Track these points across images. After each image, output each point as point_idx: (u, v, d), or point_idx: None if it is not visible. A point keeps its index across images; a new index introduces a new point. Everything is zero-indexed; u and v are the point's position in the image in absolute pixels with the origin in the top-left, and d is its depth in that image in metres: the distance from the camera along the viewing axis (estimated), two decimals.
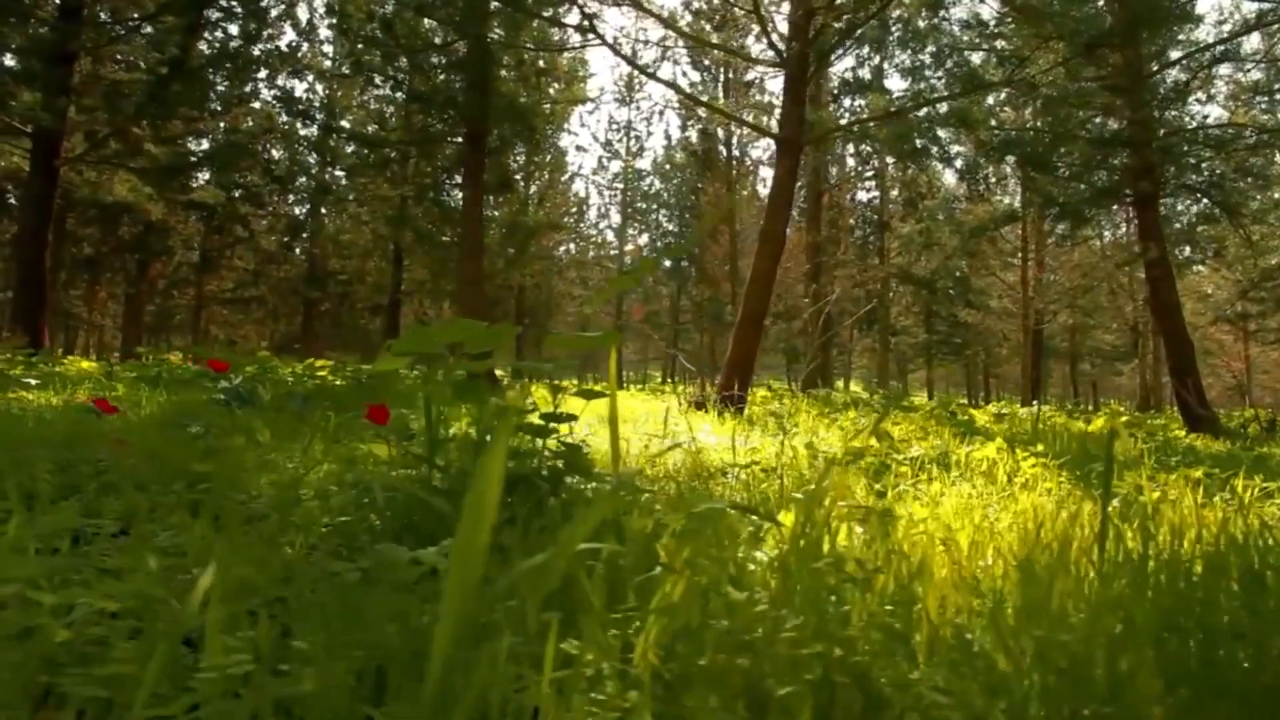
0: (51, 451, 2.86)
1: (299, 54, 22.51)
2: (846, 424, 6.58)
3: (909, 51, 9.76)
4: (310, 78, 26.59)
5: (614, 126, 33.12)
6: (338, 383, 9.08)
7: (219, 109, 13.29)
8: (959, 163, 17.55)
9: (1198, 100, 15.13)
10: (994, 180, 21.17)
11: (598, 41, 8.77)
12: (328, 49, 29.88)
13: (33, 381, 6.35)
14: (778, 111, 15.15)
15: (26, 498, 2.26)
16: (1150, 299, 12.11)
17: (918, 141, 12.72)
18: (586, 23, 8.69)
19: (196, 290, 25.79)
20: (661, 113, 49.29)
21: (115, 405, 3.09)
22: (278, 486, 2.60)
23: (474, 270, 12.18)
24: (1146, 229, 11.67)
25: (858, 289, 23.97)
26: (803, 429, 5.41)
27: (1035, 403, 22.14)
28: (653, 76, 10.03)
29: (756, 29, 19.53)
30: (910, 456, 3.42)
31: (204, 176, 21.39)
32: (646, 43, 24.96)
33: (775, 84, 26.99)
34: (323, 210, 27.46)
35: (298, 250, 28.10)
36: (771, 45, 8.63)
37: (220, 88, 12.50)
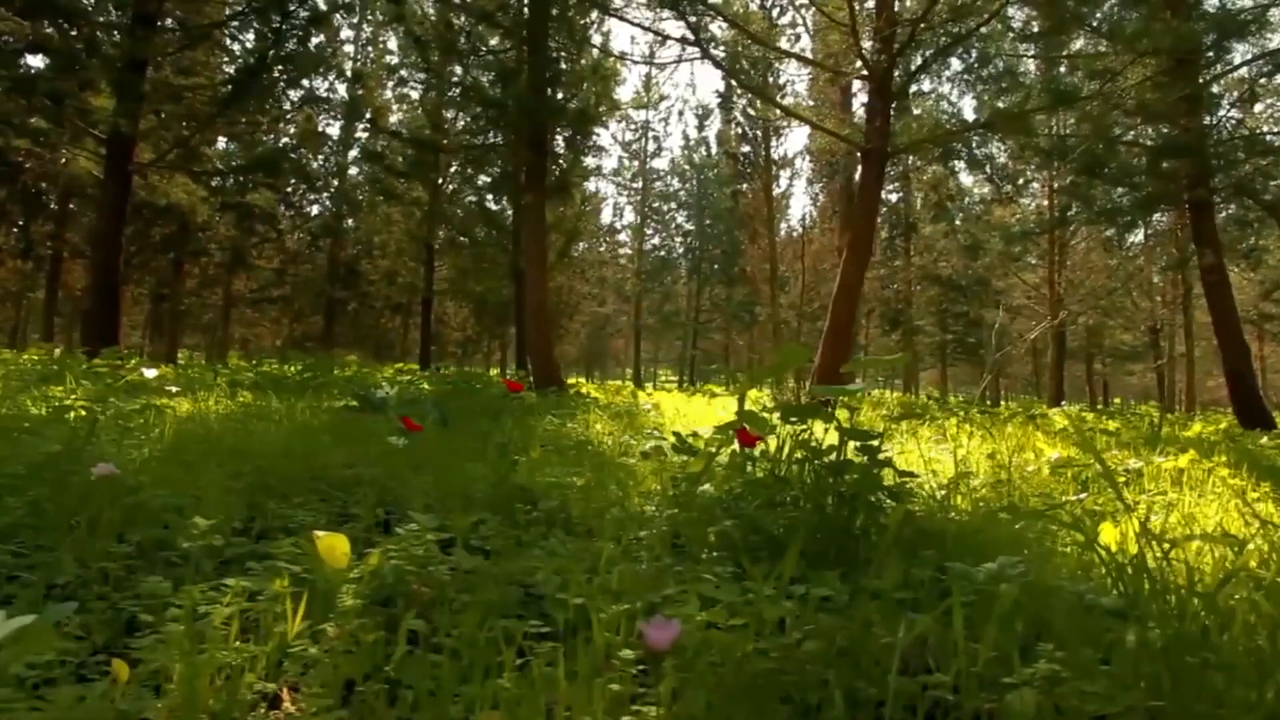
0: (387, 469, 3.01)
1: (326, 55, 22.59)
2: (951, 426, 6.74)
3: (988, 64, 9.99)
4: (332, 78, 26.61)
5: (631, 126, 33.19)
6: (425, 387, 9.25)
7: (283, 113, 13.43)
8: (988, 168, 17.85)
9: (1231, 104, 15.43)
10: (1020, 183, 21.48)
11: (697, 54, 8.99)
12: (348, 49, 29.98)
13: (173, 389, 6.48)
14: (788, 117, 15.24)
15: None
16: (1206, 302, 12.34)
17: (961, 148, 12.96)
18: (691, 35, 8.90)
19: (225, 290, 25.86)
20: (680, 113, 49.39)
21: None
22: (619, 505, 2.75)
23: (539, 273, 12.34)
24: (1202, 235, 11.91)
25: (886, 290, 24.25)
26: (946, 437, 5.58)
27: (1063, 403, 22.43)
28: (751, 89, 10.20)
29: (789, 37, 19.71)
30: (1128, 468, 3.61)
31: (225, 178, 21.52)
32: (665, 41, 25.00)
33: (800, 86, 27.16)
34: (345, 211, 27.57)
35: (322, 250, 28.22)
36: (862, 58, 8.82)
37: (288, 93, 12.65)
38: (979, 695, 1.23)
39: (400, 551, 1.79)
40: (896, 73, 9.37)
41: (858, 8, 8.55)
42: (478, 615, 1.63)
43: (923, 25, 8.48)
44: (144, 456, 3.05)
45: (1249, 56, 11.87)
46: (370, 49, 29.32)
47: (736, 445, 2.84)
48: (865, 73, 8.86)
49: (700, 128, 34.02)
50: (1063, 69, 13.28)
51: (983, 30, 9.84)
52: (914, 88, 13.61)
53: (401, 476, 2.91)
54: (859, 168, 25.29)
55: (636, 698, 1.21)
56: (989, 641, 1.29)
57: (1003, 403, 28.43)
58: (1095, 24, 10.51)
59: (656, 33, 10.81)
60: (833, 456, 2.53)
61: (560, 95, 13.27)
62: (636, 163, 34.72)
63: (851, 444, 2.55)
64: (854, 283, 8.97)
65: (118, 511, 2.17)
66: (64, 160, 14.34)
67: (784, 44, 20.30)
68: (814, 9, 10.57)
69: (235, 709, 1.30)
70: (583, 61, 12.26)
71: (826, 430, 2.58)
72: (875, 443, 2.60)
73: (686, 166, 33.63)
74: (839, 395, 2.65)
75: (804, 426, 2.73)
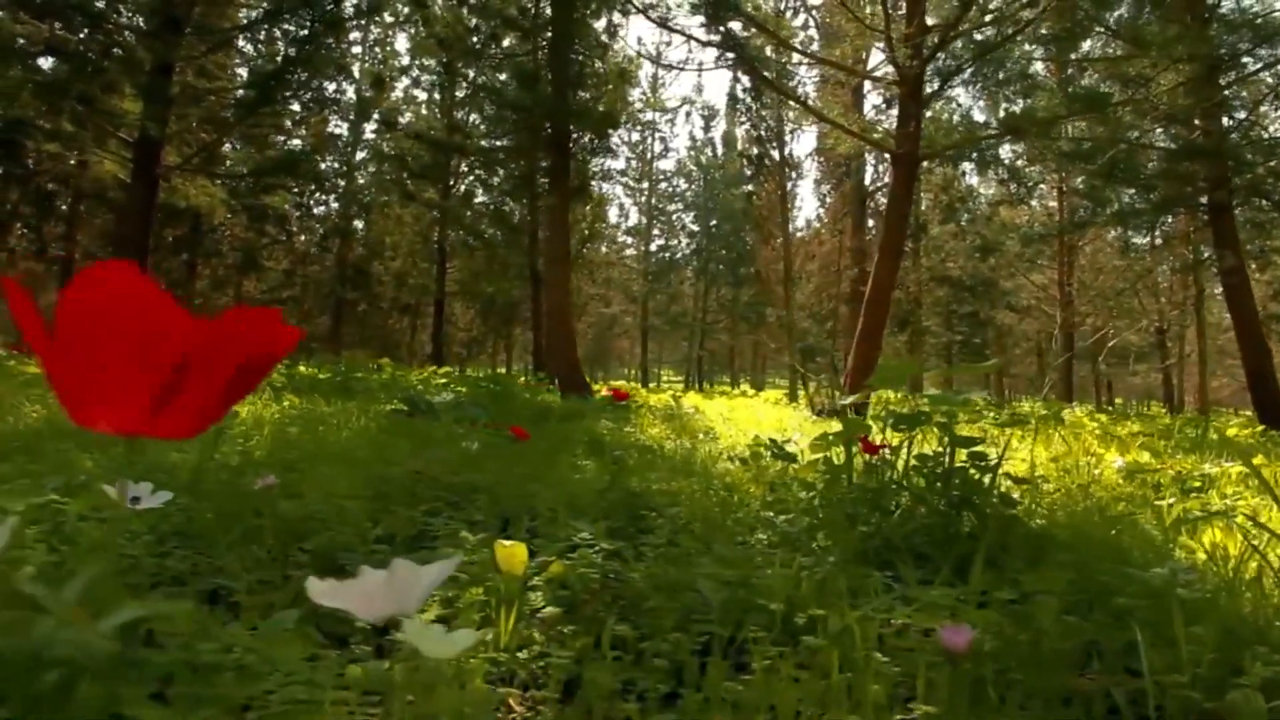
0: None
1: (337, 57, 22.59)
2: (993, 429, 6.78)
3: (1003, 68, 10.09)
4: (341, 79, 26.63)
5: (637, 126, 33.24)
6: (461, 389, 9.29)
7: (301, 115, 13.51)
8: (1001, 170, 17.92)
9: (1248, 108, 15.52)
10: (1031, 185, 21.58)
11: (726, 61, 9.09)
12: (355, 50, 30.01)
13: None
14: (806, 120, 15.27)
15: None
16: (1227, 304, 12.44)
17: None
18: (727, 41, 8.97)
19: (236, 291, 25.92)
20: (688, 114, 49.49)
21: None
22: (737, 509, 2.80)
23: (562, 274, 12.41)
24: (1222, 237, 12.01)
25: (896, 290, 24.35)
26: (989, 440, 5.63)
27: (1074, 404, 22.53)
28: (785, 93, 10.29)
29: (803, 41, 19.79)
30: (1203, 473, 3.67)
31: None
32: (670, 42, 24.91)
33: (808, 88, 27.24)
34: (354, 212, 27.65)
35: (330, 251, 28.27)
36: (894, 63, 8.91)
37: (306, 96, 12.74)
38: (1206, 696, 1.30)
39: (580, 558, 1.85)
40: (951, 77, 9.46)
41: (889, 13, 8.65)
42: (670, 620, 1.67)
43: (953, 33, 8.56)
44: (252, 463, 3.09)
45: (1267, 61, 11.96)
46: (379, 50, 29.40)
47: (837, 452, 2.92)
48: (897, 77, 8.94)
49: (706, 129, 34.19)
50: (1070, 71, 13.37)
51: (1019, 37, 9.93)
52: (928, 90, 13.71)
53: (509, 482, 2.95)
54: (868, 170, 25.55)
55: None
56: (1211, 643, 1.35)
57: (1012, 402, 28.46)
58: (1113, 28, 10.61)
59: (688, 36, 10.88)
60: (944, 463, 2.60)
61: (581, 97, 13.35)
62: (641, 164, 34.79)
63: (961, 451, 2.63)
64: (887, 286, 9.07)
65: (270, 520, 2.22)
66: (76, 161, 14.35)
67: (796, 47, 20.43)
68: (825, 13, 10.62)
69: (472, 711, 1.35)
70: (601, 66, 12.34)
71: (941, 438, 2.63)
72: (982, 448, 2.69)
73: (693, 167, 33.72)
74: (946, 404, 2.72)
75: (912, 433, 2.80)
